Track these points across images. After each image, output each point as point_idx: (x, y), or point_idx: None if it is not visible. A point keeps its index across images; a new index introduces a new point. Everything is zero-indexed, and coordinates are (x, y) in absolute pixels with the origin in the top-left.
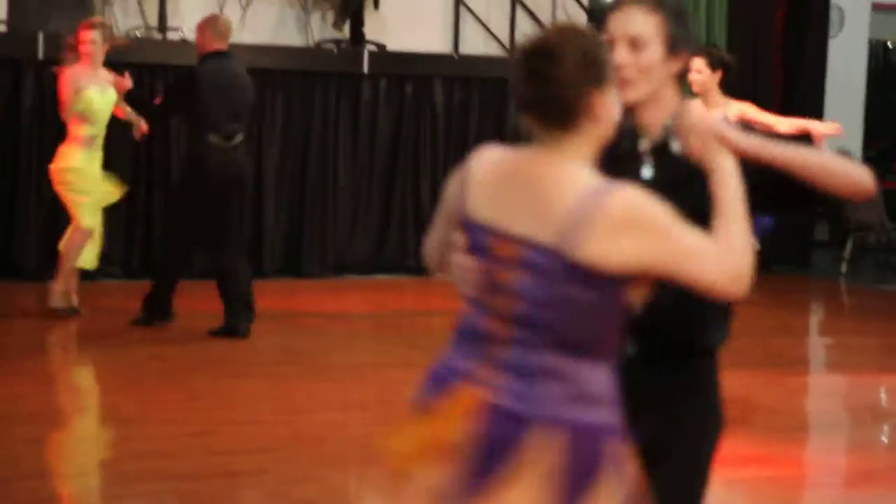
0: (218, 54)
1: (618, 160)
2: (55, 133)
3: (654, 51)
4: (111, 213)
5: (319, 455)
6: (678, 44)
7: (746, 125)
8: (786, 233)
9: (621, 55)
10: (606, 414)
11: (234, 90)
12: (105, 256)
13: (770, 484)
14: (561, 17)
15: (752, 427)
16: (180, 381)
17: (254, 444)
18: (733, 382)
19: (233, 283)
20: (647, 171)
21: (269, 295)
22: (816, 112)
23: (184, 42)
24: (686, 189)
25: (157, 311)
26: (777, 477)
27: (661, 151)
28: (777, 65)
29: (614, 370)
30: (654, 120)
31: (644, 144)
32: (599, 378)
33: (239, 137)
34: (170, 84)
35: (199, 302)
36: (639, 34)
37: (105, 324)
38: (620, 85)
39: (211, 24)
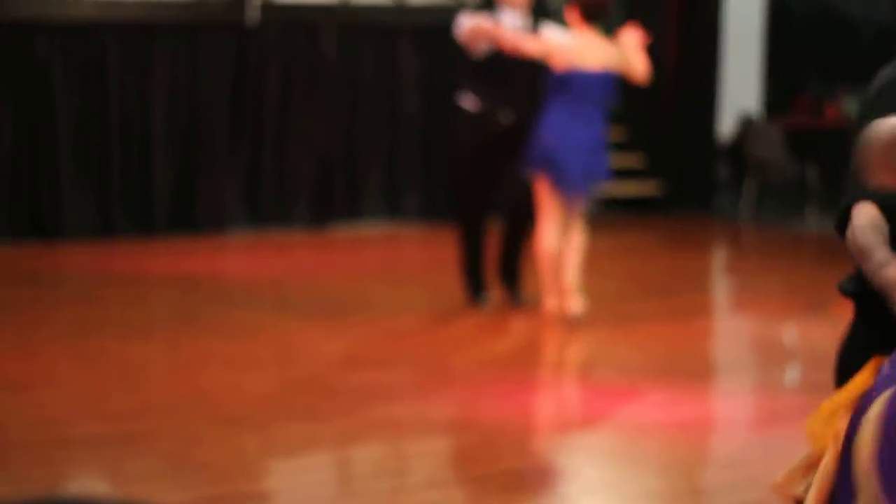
0: None
1: None
2: None
3: None
4: None
5: (215, 415)
6: None
7: None
8: (686, 174)
9: None
10: None
11: None
12: None
13: (678, 429)
14: None
15: (658, 372)
16: (72, 345)
17: (148, 406)
18: (636, 327)
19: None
20: None
21: (161, 252)
22: (711, 54)
23: None
24: None
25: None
26: (684, 422)
27: None
28: (673, 10)
29: None
30: None
31: None
32: None
33: None
34: None
35: (85, 262)
36: None
37: None
38: None
39: None
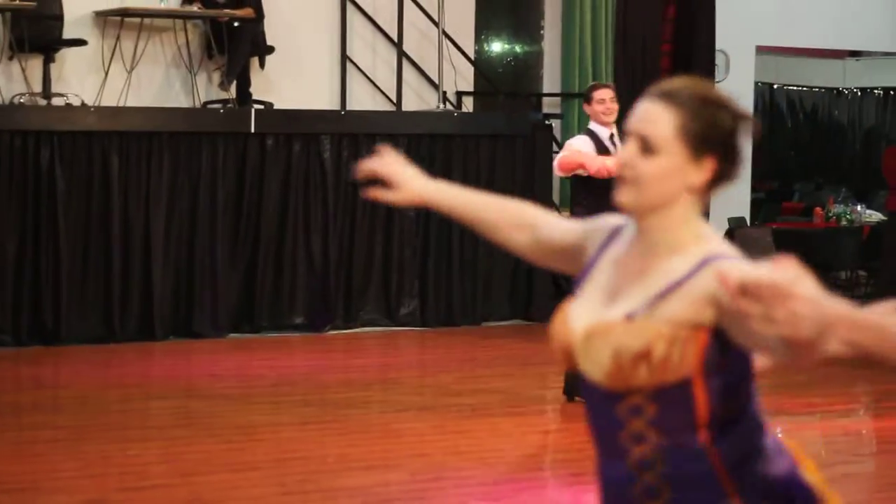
0: None
1: None
2: None
3: None
4: None
5: None
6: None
7: None
8: None
9: None
10: None
11: None
12: None
13: None
14: (448, 72)
15: None
16: (73, 450)
17: None
18: None
19: None
20: None
21: (160, 357)
22: None
23: (69, 107)
24: None
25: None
26: None
27: None
28: None
29: None
30: None
31: None
32: None
33: None
34: None
35: (86, 367)
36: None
37: None
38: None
39: None
